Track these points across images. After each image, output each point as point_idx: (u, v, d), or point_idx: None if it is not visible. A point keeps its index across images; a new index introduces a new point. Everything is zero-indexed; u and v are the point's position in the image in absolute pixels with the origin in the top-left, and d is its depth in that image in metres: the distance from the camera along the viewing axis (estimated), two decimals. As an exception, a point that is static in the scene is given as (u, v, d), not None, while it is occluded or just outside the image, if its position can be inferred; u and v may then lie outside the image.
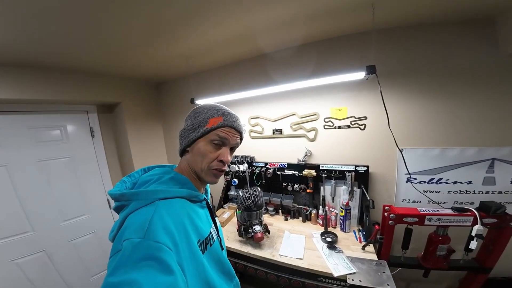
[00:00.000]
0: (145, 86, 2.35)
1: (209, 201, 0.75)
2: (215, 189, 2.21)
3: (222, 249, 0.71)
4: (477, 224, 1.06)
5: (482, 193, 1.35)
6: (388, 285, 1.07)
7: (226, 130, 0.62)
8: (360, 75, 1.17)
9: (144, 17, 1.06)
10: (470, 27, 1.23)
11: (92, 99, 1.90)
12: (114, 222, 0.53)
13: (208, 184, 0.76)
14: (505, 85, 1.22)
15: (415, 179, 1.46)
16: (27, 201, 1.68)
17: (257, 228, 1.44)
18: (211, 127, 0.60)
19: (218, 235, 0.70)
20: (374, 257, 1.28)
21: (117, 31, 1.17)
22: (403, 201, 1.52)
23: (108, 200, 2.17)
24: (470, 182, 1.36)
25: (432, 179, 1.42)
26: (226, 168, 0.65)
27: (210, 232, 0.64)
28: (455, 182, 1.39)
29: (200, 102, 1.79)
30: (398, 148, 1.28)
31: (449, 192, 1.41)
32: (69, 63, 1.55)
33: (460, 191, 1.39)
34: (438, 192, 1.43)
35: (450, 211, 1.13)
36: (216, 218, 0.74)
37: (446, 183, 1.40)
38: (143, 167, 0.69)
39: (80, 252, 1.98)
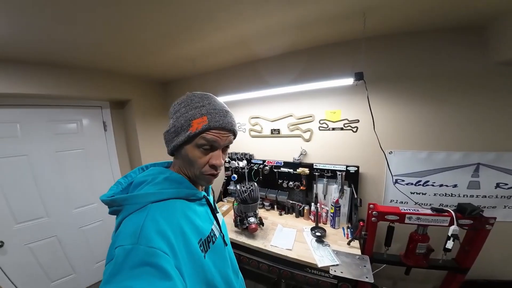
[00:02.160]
0: (153, 84, 2.51)
1: (210, 197, 0.71)
2: (215, 184, 2.32)
3: (226, 245, 0.68)
4: (453, 224, 1.13)
5: (467, 196, 1.41)
6: (366, 277, 1.16)
7: (214, 132, 0.54)
8: (349, 81, 1.26)
9: (154, 23, 1.17)
10: (460, 34, 1.28)
11: (105, 95, 2.07)
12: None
13: None
14: (493, 92, 1.27)
15: (403, 180, 1.53)
16: (44, 188, 1.83)
17: (252, 219, 1.55)
18: (195, 132, 0.53)
19: (221, 231, 0.68)
20: (358, 252, 1.36)
21: (128, 36, 1.29)
22: (391, 202, 1.59)
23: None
24: (455, 186, 1.42)
25: (419, 181, 1.49)
26: (219, 171, 0.60)
27: (212, 229, 0.62)
28: (441, 185, 1.45)
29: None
30: (383, 151, 1.36)
31: (435, 194, 1.47)
32: (85, 62, 1.70)
33: (445, 194, 1.45)
34: (425, 194, 1.49)
35: (429, 211, 1.20)
36: (218, 214, 0.71)
37: (433, 185, 1.47)
38: (140, 165, 0.67)
39: (88, 239, 2.14)
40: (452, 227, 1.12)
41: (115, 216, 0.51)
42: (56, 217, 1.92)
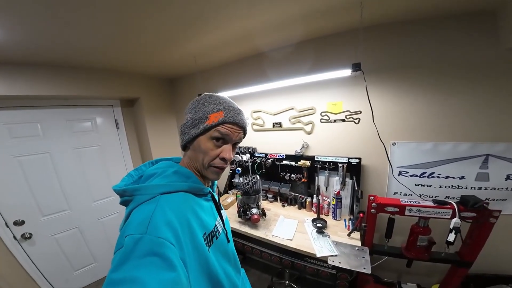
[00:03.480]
0: (160, 82, 2.59)
1: (215, 193, 0.74)
2: (221, 176, 2.40)
3: (228, 241, 0.70)
4: (455, 217, 1.10)
5: (475, 189, 1.35)
6: (364, 268, 1.18)
7: (228, 126, 0.59)
8: (347, 72, 1.23)
9: (156, 23, 1.21)
10: (467, 20, 1.21)
11: (116, 94, 2.17)
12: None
13: None
14: (502, 80, 1.19)
15: (407, 172, 1.49)
16: (65, 183, 1.97)
17: (254, 210, 1.61)
18: (212, 124, 0.57)
19: (224, 227, 0.70)
20: (358, 243, 1.37)
21: (134, 36, 1.35)
22: (394, 194, 1.57)
23: (131, 183, 2.49)
24: (462, 178, 1.37)
25: (424, 173, 1.45)
26: (227, 166, 0.63)
27: (215, 225, 0.64)
28: (447, 177, 1.40)
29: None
30: (382, 142, 1.33)
31: (440, 186, 1.43)
32: (97, 63, 1.79)
33: (451, 186, 1.40)
34: (430, 186, 1.45)
35: (431, 203, 1.18)
36: (222, 211, 0.73)
37: (438, 177, 1.42)
38: (150, 160, 0.69)
39: (106, 229, 2.29)
40: (454, 220, 1.09)
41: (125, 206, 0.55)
42: (77, 210, 2.06)
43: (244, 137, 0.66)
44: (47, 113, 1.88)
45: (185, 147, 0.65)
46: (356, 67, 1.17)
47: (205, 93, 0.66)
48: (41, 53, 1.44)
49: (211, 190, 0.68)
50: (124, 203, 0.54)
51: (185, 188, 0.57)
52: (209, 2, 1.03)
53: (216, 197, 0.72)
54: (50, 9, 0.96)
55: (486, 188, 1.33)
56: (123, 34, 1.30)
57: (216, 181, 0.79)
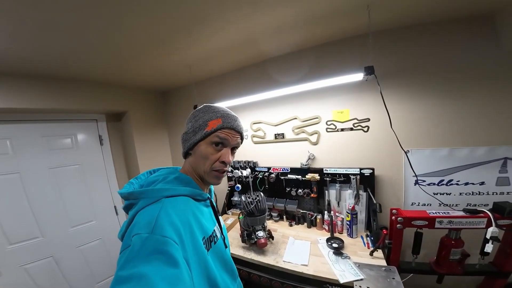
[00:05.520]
0: (151, 94, 2.44)
1: (213, 200, 0.76)
2: (218, 195, 2.20)
3: (226, 247, 0.72)
4: (491, 226, 1.00)
5: (497, 194, 1.28)
6: (397, 292, 1.02)
7: (226, 131, 0.63)
8: (359, 76, 1.17)
9: (147, 29, 1.12)
10: (470, 24, 1.22)
11: (101, 108, 1.99)
12: (122, 223, 0.56)
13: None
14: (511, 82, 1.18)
15: (424, 181, 1.40)
16: (38, 207, 1.72)
17: (260, 234, 1.42)
18: (211, 130, 0.62)
19: (222, 233, 0.72)
20: (383, 263, 1.22)
21: (123, 43, 1.24)
22: (412, 204, 1.46)
23: (115, 207, 2.20)
24: (482, 183, 1.29)
25: (442, 180, 1.37)
26: (228, 169, 0.67)
27: (214, 230, 0.65)
28: (466, 183, 1.32)
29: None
30: (403, 149, 1.25)
31: (460, 194, 1.34)
32: (79, 73, 1.63)
33: (472, 192, 1.32)
34: (449, 194, 1.36)
35: (461, 213, 1.07)
36: (220, 217, 0.76)
37: (457, 184, 1.34)
38: (148, 169, 0.72)
39: (86, 258, 1.99)
40: (490, 229, 1.00)
41: (127, 212, 0.57)
42: (52, 236, 1.80)
43: (241, 142, 0.70)
44: (19, 128, 1.65)
45: (186, 155, 0.69)
46: (369, 70, 1.12)
47: (204, 104, 0.70)
48: (13, 61, 1.27)
49: (209, 197, 0.70)
50: (127, 207, 0.57)
51: (186, 192, 0.60)
52: (207, 3, 0.96)
53: (214, 204, 0.75)
54: (24, 8, 0.83)
55: (508, 193, 1.26)
56: (111, 40, 1.18)
57: (213, 189, 0.81)
